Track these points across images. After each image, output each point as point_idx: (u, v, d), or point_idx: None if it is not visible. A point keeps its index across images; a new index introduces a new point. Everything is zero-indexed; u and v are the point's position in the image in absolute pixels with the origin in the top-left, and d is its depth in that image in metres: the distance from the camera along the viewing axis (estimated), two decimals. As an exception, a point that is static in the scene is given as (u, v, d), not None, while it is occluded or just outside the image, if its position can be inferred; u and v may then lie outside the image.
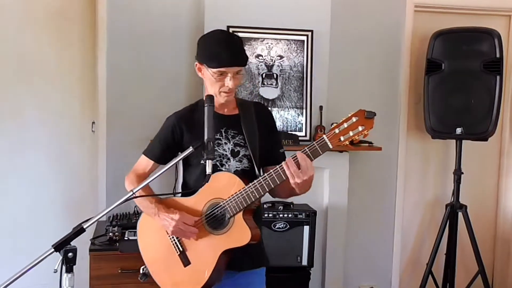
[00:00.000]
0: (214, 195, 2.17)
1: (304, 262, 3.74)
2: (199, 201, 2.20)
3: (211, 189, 2.13)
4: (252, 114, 2.32)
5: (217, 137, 2.23)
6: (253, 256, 2.30)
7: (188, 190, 2.28)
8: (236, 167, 2.25)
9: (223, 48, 2.14)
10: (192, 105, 2.39)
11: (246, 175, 2.18)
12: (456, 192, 4.07)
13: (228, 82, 2.15)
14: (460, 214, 4.06)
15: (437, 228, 4.13)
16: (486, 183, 4.63)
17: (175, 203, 2.26)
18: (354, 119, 1.97)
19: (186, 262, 2.21)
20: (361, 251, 4.38)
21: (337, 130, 1.98)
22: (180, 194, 2.37)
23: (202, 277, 2.16)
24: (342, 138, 1.97)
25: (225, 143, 2.26)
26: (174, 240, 2.24)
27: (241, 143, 2.27)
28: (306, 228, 3.72)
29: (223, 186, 2.13)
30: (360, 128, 1.97)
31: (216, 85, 2.18)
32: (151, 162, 2.34)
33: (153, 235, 2.29)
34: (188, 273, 2.21)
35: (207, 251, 2.17)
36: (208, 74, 2.18)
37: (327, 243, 4.05)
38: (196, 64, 2.25)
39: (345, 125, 1.98)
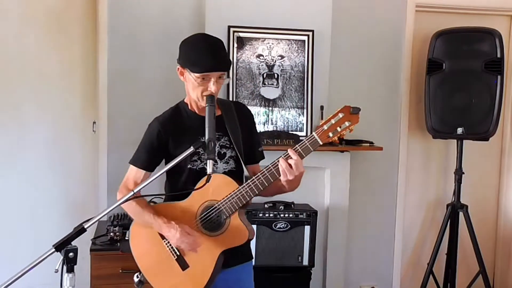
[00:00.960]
0: (208, 197, 2.18)
1: (305, 262, 3.74)
2: (193, 203, 2.21)
3: (204, 191, 2.12)
4: (234, 114, 2.32)
5: (204, 140, 2.13)
6: (241, 252, 2.30)
7: (173, 196, 2.27)
8: (224, 168, 2.26)
9: (205, 53, 2.13)
10: (173, 109, 2.37)
11: (234, 176, 2.20)
12: (457, 192, 4.07)
13: (211, 87, 2.13)
14: (461, 214, 4.06)
15: (438, 228, 4.13)
16: (487, 183, 4.63)
17: (168, 208, 2.26)
18: (340, 115, 2.04)
19: (184, 266, 2.21)
20: (362, 251, 4.38)
21: (325, 127, 2.04)
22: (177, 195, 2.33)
23: (203, 279, 2.18)
24: (330, 134, 2.04)
25: None
26: (170, 245, 2.23)
27: (227, 145, 2.28)
28: (307, 228, 3.72)
29: (216, 187, 2.14)
30: (347, 124, 2.03)
31: (198, 89, 2.16)
32: (142, 172, 2.30)
33: (148, 241, 2.27)
34: (187, 277, 2.21)
35: (205, 253, 2.18)
36: (190, 79, 2.16)
37: (328, 243, 4.05)
38: (178, 68, 2.22)
39: (333, 121, 2.03)
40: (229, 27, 3.80)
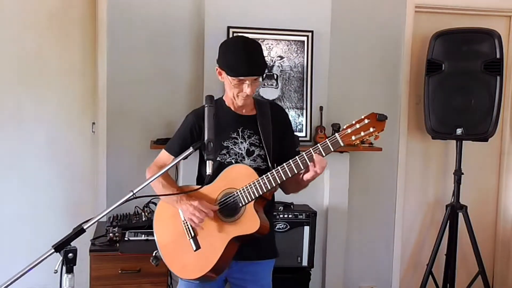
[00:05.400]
0: (228, 185, 2.29)
1: (304, 262, 3.74)
2: (214, 190, 2.32)
3: (227, 180, 2.29)
4: (268, 114, 2.42)
5: (234, 136, 2.36)
6: (263, 248, 2.41)
7: (201, 183, 2.34)
8: (250, 165, 2.32)
9: (241, 58, 2.24)
10: None
11: (260, 174, 2.26)
12: (457, 192, 4.06)
13: (246, 89, 2.27)
14: (460, 215, 4.05)
15: (438, 229, 4.13)
16: (487, 184, 4.63)
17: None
18: (366, 121, 2.08)
19: (196, 246, 2.31)
20: (361, 251, 4.38)
21: (349, 130, 2.09)
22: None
23: (209, 262, 2.26)
24: (353, 137, 2.09)
25: (241, 142, 2.37)
26: (187, 225, 2.33)
27: (257, 143, 2.37)
28: (307, 229, 3.72)
29: (237, 176, 2.27)
30: (371, 129, 2.07)
31: (234, 90, 2.30)
32: (171, 157, 2.42)
33: (168, 220, 2.41)
34: (197, 257, 2.31)
35: (217, 238, 2.27)
36: (227, 80, 2.30)
37: (327, 243, 4.05)
38: (217, 68, 2.34)
39: (357, 126, 2.08)
40: (229, 27, 3.79)
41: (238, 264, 2.36)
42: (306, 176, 2.18)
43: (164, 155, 2.46)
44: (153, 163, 2.48)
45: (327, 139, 2.12)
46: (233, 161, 2.34)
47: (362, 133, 2.07)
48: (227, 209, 2.28)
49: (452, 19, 4.33)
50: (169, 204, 2.40)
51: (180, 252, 2.35)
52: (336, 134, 2.11)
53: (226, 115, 2.38)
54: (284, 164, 2.18)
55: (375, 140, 2.11)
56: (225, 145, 2.35)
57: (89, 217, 1.87)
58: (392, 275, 4.48)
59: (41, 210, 3.92)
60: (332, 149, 2.12)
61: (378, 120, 2.07)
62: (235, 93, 2.30)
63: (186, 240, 2.33)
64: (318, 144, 2.13)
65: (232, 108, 2.40)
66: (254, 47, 2.29)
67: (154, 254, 2.42)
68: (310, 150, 2.13)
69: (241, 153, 2.35)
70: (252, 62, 2.25)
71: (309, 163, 2.14)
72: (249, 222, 2.22)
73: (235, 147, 2.35)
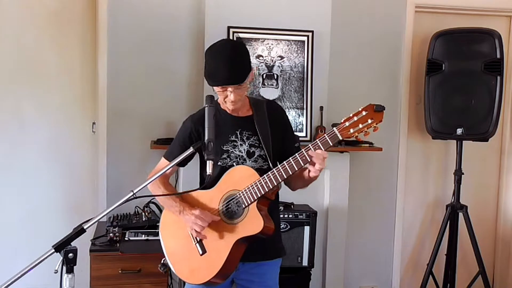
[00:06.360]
0: (231, 187, 2.28)
1: (305, 262, 3.73)
2: (217, 193, 2.32)
3: (229, 182, 2.28)
4: (265, 113, 2.40)
5: (233, 139, 2.35)
6: (268, 249, 2.40)
7: (202, 186, 2.34)
8: (252, 167, 2.32)
9: (218, 67, 2.21)
10: None
11: (262, 174, 2.25)
12: (457, 192, 4.07)
13: (230, 96, 2.24)
14: (460, 215, 4.06)
15: (438, 229, 4.13)
16: (487, 184, 4.63)
17: (193, 197, 2.36)
18: (364, 113, 2.06)
19: (202, 250, 2.30)
20: (361, 251, 4.38)
21: (347, 123, 2.08)
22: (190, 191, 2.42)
23: (216, 265, 2.26)
24: (351, 130, 2.07)
25: (241, 145, 2.35)
26: None
27: (256, 144, 2.36)
28: (307, 229, 3.72)
29: (239, 178, 2.26)
30: (369, 121, 2.05)
31: (220, 96, 2.30)
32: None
33: (173, 227, 2.40)
34: (203, 261, 2.30)
35: (222, 240, 2.27)
36: None
37: (328, 243, 4.05)
38: None
39: (355, 118, 2.07)
40: (229, 27, 3.79)
41: (245, 265, 2.37)
42: (311, 174, 2.17)
43: (163, 163, 2.45)
44: (152, 172, 2.45)
45: (325, 134, 2.12)
46: (234, 164, 2.33)
47: (360, 125, 2.06)
48: (231, 212, 2.27)
49: (452, 19, 4.33)
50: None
51: (186, 257, 2.34)
52: (334, 128, 2.10)
53: (223, 119, 2.36)
54: (284, 162, 2.17)
55: (374, 132, 2.07)
56: (225, 149, 2.34)
57: (89, 217, 1.87)
58: (392, 275, 4.48)
59: (41, 210, 3.93)
60: (331, 143, 2.10)
61: (376, 111, 2.05)
62: (221, 99, 2.30)
63: (192, 245, 2.32)
64: (317, 140, 2.13)
65: (228, 111, 2.37)
66: (234, 53, 2.23)
67: (162, 262, 2.43)
68: (309, 146, 2.13)
69: (242, 155, 2.34)
70: (229, 71, 2.18)
71: (309, 160, 2.12)
72: (253, 223, 2.21)
73: (235, 150, 2.34)
